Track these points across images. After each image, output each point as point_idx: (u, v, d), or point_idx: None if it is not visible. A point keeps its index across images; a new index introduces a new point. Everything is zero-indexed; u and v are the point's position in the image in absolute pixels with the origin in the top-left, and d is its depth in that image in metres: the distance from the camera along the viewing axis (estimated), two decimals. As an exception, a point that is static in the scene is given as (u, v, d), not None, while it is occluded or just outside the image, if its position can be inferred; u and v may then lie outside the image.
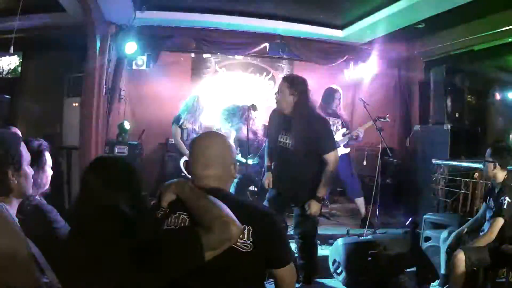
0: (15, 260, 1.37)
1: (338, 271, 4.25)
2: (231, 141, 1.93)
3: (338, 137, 5.32)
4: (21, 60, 4.93)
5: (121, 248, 1.43)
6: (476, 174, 4.80)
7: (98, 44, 4.96)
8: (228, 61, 7.31)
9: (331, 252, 4.38)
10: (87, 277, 1.43)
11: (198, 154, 1.80)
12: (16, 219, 1.60)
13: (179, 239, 1.51)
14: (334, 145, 3.66)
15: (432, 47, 6.25)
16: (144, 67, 6.12)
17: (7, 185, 1.56)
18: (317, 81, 6.27)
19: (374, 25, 5.38)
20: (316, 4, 5.23)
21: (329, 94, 5.48)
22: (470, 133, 5.99)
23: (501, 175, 3.61)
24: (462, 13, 4.74)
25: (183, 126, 5.80)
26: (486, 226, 3.65)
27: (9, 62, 4.94)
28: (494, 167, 3.61)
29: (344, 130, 5.50)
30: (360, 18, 5.45)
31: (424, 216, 4.64)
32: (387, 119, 5.54)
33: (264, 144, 5.22)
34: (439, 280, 4.01)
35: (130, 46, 5.43)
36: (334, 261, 4.30)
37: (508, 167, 3.65)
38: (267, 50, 6.38)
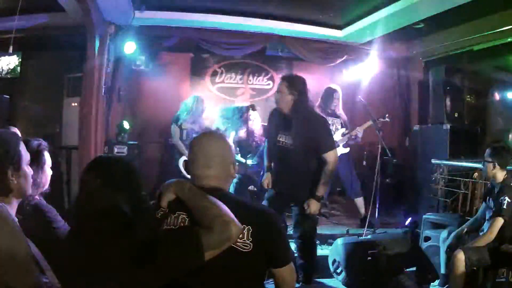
0: (14, 260, 1.37)
1: (338, 271, 4.26)
2: (230, 141, 1.93)
3: (337, 137, 5.33)
4: (20, 60, 4.92)
5: (120, 248, 1.43)
6: (476, 174, 4.80)
7: (97, 44, 4.96)
8: (227, 61, 7.30)
9: (331, 252, 4.39)
10: (87, 277, 1.43)
11: (198, 154, 1.80)
12: (16, 219, 1.59)
13: (178, 239, 1.50)
14: (333, 144, 3.66)
15: (431, 47, 6.25)
16: (143, 67, 6.12)
17: (6, 185, 1.56)
18: (316, 81, 6.29)
19: (374, 25, 5.38)
20: (315, 4, 5.22)
21: (328, 94, 5.48)
22: (469, 133, 5.99)
23: (500, 175, 3.62)
24: (462, 13, 4.74)
25: (182, 127, 5.80)
26: (485, 226, 3.65)
27: (8, 62, 4.93)
28: (494, 167, 3.62)
29: (343, 130, 5.50)
30: (360, 18, 5.45)
31: (424, 216, 4.64)
32: (387, 119, 5.54)
33: (263, 144, 5.23)
34: (438, 280, 4.02)
35: (129, 46, 5.43)
36: (334, 261, 4.30)
37: (507, 167, 3.65)
38: (266, 50, 6.38)
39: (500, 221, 3.43)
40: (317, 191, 3.55)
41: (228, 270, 1.62)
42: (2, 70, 4.93)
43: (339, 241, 4.34)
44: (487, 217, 3.70)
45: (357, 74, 6.56)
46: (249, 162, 5.52)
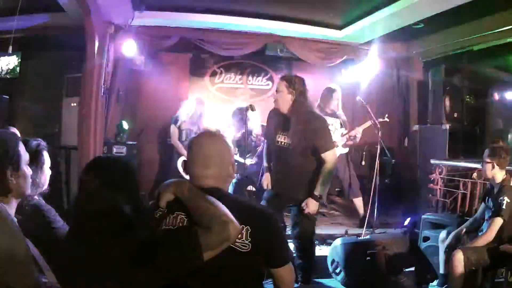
0: (14, 260, 1.37)
1: (337, 271, 4.26)
2: (229, 141, 1.93)
3: (336, 137, 5.32)
4: (20, 60, 4.91)
5: (120, 248, 1.43)
6: (475, 174, 4.81)
7: (96, 44, 4.96)
8: (226, 61, 7.30)
9: (330, 252, 4.39)
10: (86, 277, 1.43)
11: (197, 154, 1.80)
12: (15, 219, 1.59)
13: (177, 239, 1.51)
14: (332, 145, 3.66)
15: (431, 47, 6.25)
16: (142, 67, 6.12)
17: (5, 185, 1.56)
18: (315, 81, 6.28)
19: (373, 25, 5.38)
20: (315, 4, 5.22)
21: (328, 94, 5.48)
22: (468, 133, 6.00)
23: (500, 175, 3.62)
24: (462, 13, 4.74)
25: (181, 127, 5.81)
26: (484, 226, 3.66)
27: (8, 62, 4.92)
28: (493, 168, 3.62)
29: (342, 130, 5.50)
30: (359, 18, 5.44)
31: (423, 216, 4.64)
32: (386, 119, 5.54)
33: (262, 144, 5.24)
34: (437, 280, 4.02)
35: (129, 46, 5.42)
36: (333, 261, 4.31)
37: (506, 167, 3.66)
38: (266, 51, 6.38)
39: (499, 221, 3.44)
40: (315, 191, 3.54)
41: (227, 270, 1.62)
42: (2, 70, 4.92)
43: (338, 241, 4.35)
44: (486, 217, 3.71)
45: (357, 74, 6.56)
46: (248, 162, 5.52)
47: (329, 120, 5.12)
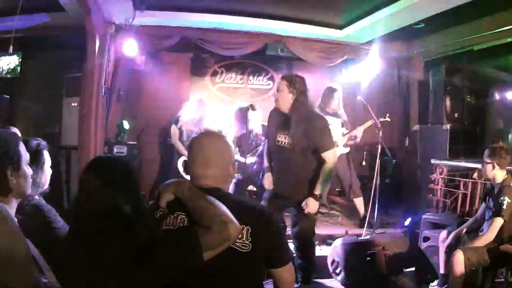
0: (14, 260, 1.37)
1: (337, 271, 4.26)
2: (230, 141, 1.93)
3: (337, 136, 5.32)
4: (20, 60, 4.91)
5: (120, 248, 1.43)
6: (475, 174, 4.81)
7: (97, 44, 4.96)
8: (227, 61, 7.30)
9: (330, 252, 4.39)
10: (86, 277, 1.43)
11: (197, 154, 1.80)
12: (15, 219, 1.59)
13: (178, 239, 1.51)
14: (332, 144, 3.66)
15: (431, 47, 6.25)
16: (143, 67, 6.12)
17: (6, 185, 1.57)
18: (316, 81, 6.28)
19: (374, 25, 5.38)
20: (316, 4, 5.22)
21: (329, 93, 5.47)
22: (469, 133, 6.00)
23: (500, 175, 3.62)
24: (462, 13, 4.74)
25: (182, 128, 5.81)
26: (485, 226, 3.66)
27: (8, 62, 4.92)
28: (493, 168, 3.62)
29: (343, 129, 5.50)
30: (360, 18, 5.45)
31: (423, 216, 4.64)
32: (387, 119, 5.54)
33: (262, 144, 5.23)
34: (438, 280, 4.02)
35: (129, 46, 5.42)
36: (333, 261, 4.31)
37: (507, 167, 3.66)
38: (266, 50, 6.38)
39: (499, 222, 3.44)
40: (315, 190, 3.54)
41: (227, 270, 1.62)
42: (2, 70, 4.93)
43: (338, 241, 4.34)
44: (486, 217, 3.71)
45: (357, 74, 6.56)
46: (249, 160, 5.51)
47: (330, 119, 5.11)
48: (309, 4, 5.25)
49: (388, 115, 5.57)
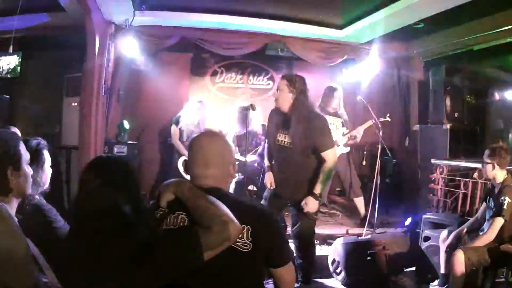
0: (14, 260, 1.37)
1: (337, 270, 4.26)
2: (230, 141, 1.93)
3: (337, 136, 5.33)
4: (20, 60, 4.91)
5: (120, 248, 1.43)
6: (476, 174, 4.81)
7: (97, 44, 4.96)
8: (227, 61, 7.30)
9: (331, 251, 4.39)
10: (86, 277, 1.43)
11: (197, 154, 1.80)
12: (16, 219, 1.59)
13: (178, 239, 1.51)
14: (332, 143, 3.66)
15: (431, 47, 6.24)
16: (143, 67, 6.11)
17: (6, 185, 1.57)
18: (316, 81, 6.29)
19: (374, 25, 5.38)
20: (316, 4, 5.22)
21: (329, 92, 5.48)
22: (469, 133, 6.00)
23: (500, 175, 3.62)
24: (462, 13, 4.74)
25: (182, 128, 5.81)
26: (485, 226, 3.66)
27: (8, 62, 4.92)
28: (493, 168, 3.62)
29: (344, 129, 5.50)
30: (360, 18, 5.44)
31: (424, 216, 4.64)
32: (388, 119, 5.54)
33: (262, 144, 5.23)
34: (438, 280, 4.02)
35: (129, 46, 5.42)
36: (334, 261, 4.31)
37: (507, 167, 3.66)
38: (266, 50, 6.38)
39: (500, 221, 3.44)
40: (314, 189, 3.54)
41: (228, 270, 1.62)
42: (3, 69, 4.93)
43: (339, 241, 4.35)
44: (487, 217, 3.71)
45: (357, 74, 6.56)
46: (249, 159, 5.51)
47: (331, 119, 5.13)
48: (309, 4, 5.25)
49: (388, 115, 5.56)
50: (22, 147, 1.64)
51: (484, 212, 3.83)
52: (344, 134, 5.46)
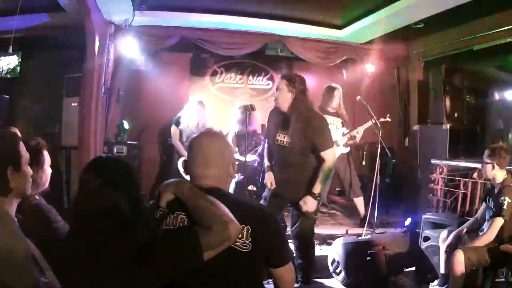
0: (13, 261, 1.37)
1: (337, 270, 4.26)
2: (230, 141, 1.93)
3: (337, 136, 5.33)
4: (20, 60, 4.92)
5: (120, 248, 1.43)
6: (475, 174, 4.80)
7: (97, 44, 4.96)
8: (226, 61, 7.30)
9: (330, 251, 4.39)
10: (86, 277, 1.43)
11: (197, 154, 1.80)
12: (16, 219, 1.59)
13: (178, 239, 1.51)
14: (331, 143, 3.66)
15: (431, 47, 6.25)
16: (142, 67, 6.11)
17: (6, 185, 1.56)
18: (316, 81, 6.29)
19: (373, 25, 5.38)
20: (315, 4, 5.22)
21: (329, 92, 5.47)
22: (469, 133, 6.00)
23: (500, 175, 3.62)
24: (462, 13, 4.74)
25: (182, 128, 5.81)
26: (485, 226, 3.66)
27: (8, 62, 4.93)
28: (493, 168, 3.62)
29: (344, 129, 5.50)
30: (359, 18, 5.45)
31: (423, 216, 4.64)
32: (387, 119, 5.54)
33: (262, 143, 5.23)
34: (438, 280, 4.01)
35: (129, 46, 5.42)
36: (333, 261, 4.30)
37: (507, 167, 3.66)
38: (266, 50, 6.38)
39: (500, 221, 3.44)
40: (313, 189, 3.53)
41: (228, 270, 1.62)
42: (2, 69, 4.94)
43: (339, 241, 4.34)
44: (487, 217, 3.71)
45: (357, 74, 6.56)
46: (249, 158, 5.51)
47: (331, 119, 5.13)
48: (309, 4, 5.26)
49: (388, 115, 5.56)
50: (22, 147, 1.64)
51: (484, 212, 3.83)
52: (344, 134, 5.46)
